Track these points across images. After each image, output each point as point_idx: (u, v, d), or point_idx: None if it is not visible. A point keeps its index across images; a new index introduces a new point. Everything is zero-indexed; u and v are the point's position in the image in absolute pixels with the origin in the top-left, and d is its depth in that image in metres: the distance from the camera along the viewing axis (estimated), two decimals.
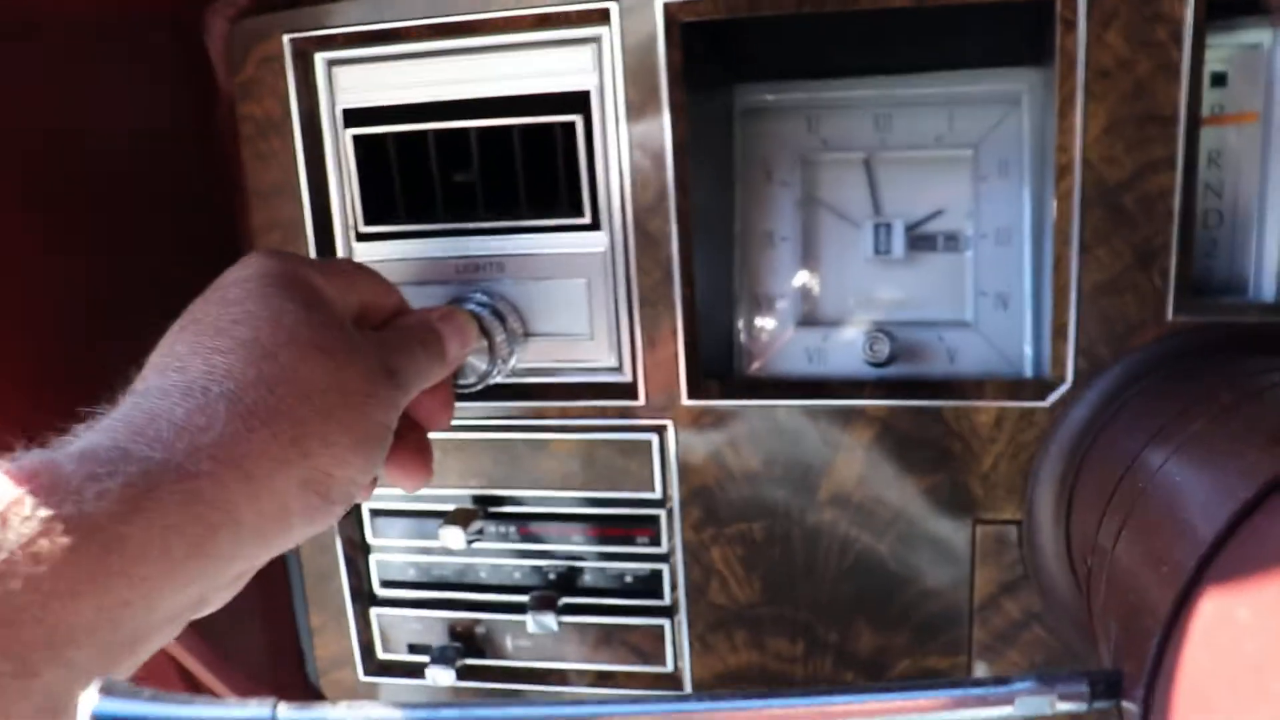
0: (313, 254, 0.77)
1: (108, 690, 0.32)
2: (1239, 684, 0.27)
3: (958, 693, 0.36)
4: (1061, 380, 0.67)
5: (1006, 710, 0.35)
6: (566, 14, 0.69)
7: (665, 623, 0.79)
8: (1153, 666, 0.31)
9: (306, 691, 0.89)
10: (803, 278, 0.79)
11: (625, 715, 0.38)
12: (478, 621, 0.82)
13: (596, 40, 0.70)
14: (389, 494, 0.81)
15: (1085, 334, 0.66)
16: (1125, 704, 0.36)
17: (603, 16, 0.69)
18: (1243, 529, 0.30)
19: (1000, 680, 0.36)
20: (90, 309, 0.72)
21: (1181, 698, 0.30)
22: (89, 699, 0.31)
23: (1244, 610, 0.27)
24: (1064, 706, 0.36)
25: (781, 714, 0.35)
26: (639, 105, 0.70)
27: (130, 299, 0.73)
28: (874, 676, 0.75)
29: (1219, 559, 0.30)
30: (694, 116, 0.70)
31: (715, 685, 0.80)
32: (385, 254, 0.77)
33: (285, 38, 0.75)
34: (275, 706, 0.33)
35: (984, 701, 0.35)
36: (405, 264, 0.76)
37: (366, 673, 0.85)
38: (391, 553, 0.83)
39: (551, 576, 0.80)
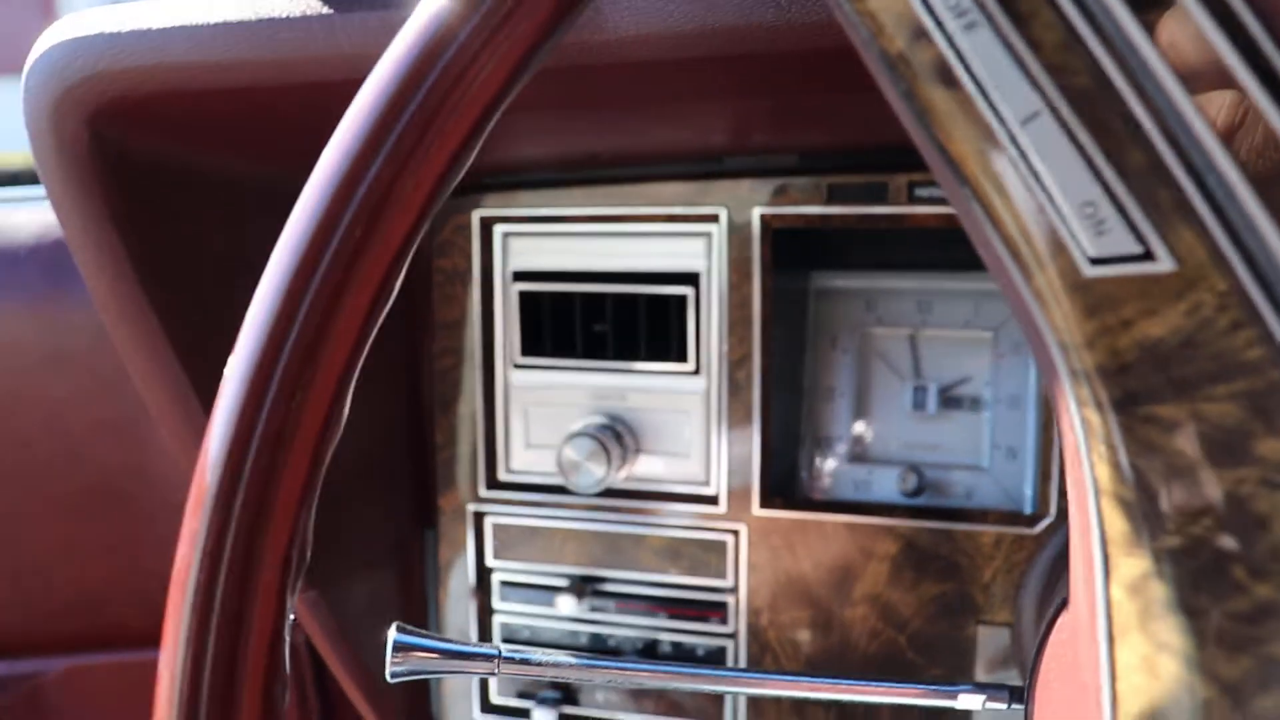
0: (478, 375, 1.01)
1: (401, 629, 0.54)
2: (1056, 661, 0.46)
3: (921, 687, 0.56)
4: (1046, 514, 0.87)
5: (952, 703, 0.55)
6: (687, 215, 0.94)
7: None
8: (1030, 673, 0.51)
9: None
10: (855, 425, 1.00)
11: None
12: None
13: (709, 235, 0.94)
14: (514, 567, 1.03)
15: (1065, 478, 0.86)
16: (1026, 706, 0.55)
17: (714, 219, 0.93)
18: None
19: (952, 683, 0.56)
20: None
21: (1038, 688, 0.50)
22: (392, 631, 0.53)
23: (1066, 618, 0.47)
24: (991, 705, 0.56)
25: (794, 688, 0.56)
26: (737, 285, 0.93)
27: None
28: None
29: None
30: (778, 296, 0.93)
31: None
32: (533, 381, 1.00)
33: (475, 214, 1.00)
34: (500, 649, 0.55)
35: (937, 695, 0.55)
36: (549, 390, 1.00)
37: (482, 710, 1.05)
38: (513, 616, 1.04)
39: (639, 644, 1.00)
